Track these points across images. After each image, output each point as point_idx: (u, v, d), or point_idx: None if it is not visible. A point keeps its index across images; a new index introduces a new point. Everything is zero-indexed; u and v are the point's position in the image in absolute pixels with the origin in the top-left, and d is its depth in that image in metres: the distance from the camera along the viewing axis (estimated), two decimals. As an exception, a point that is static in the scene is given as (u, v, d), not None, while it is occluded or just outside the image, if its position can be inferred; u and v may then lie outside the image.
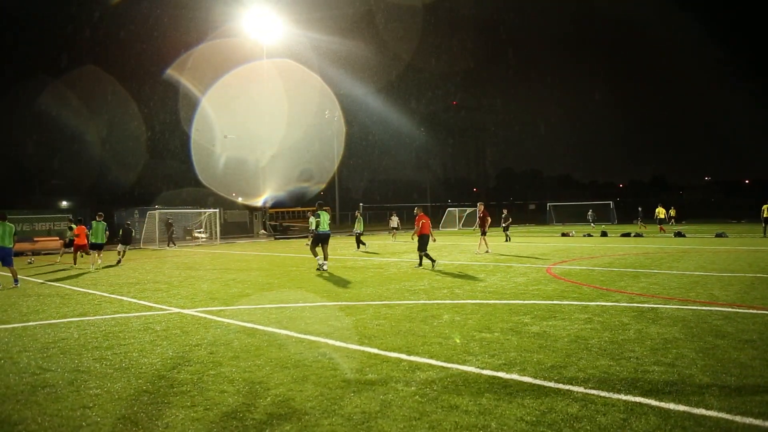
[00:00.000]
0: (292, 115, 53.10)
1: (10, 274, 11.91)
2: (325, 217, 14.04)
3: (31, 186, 62.47)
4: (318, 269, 13.56)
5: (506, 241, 24.56)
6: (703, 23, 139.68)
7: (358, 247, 21.46)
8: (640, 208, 31.87)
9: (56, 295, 10.48)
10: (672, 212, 37.96)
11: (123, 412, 4.01)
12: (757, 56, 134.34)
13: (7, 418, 3.96)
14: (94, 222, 16.40)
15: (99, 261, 16.50)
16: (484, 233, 18.51)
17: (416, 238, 14.02)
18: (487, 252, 17.93)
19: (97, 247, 16.35)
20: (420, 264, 14.04)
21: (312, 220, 14.27)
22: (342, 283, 11.21)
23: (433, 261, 13.67)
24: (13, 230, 11.80)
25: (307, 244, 27.36)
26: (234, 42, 41.25)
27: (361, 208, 44.81)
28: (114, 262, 17.32)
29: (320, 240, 13.96)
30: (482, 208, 18.69)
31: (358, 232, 22.03)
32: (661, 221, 28.01)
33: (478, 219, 18.77)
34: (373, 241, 27.26)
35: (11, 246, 11.75)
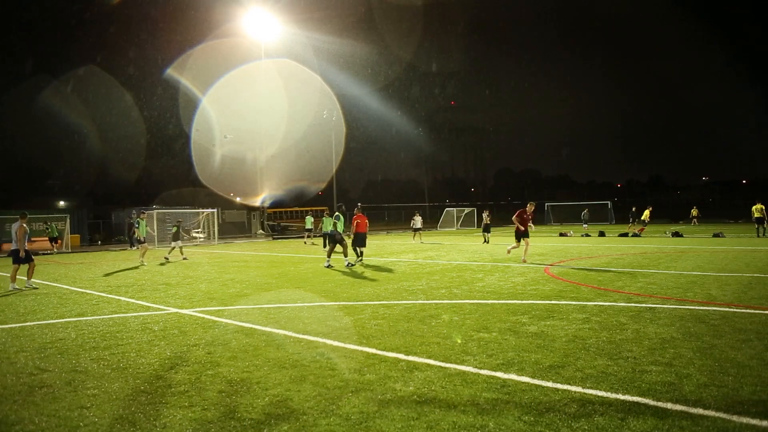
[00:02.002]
0: (291, 114, 53.08)
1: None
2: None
3: (28, 186, 62.37)
4: (346, 266, 14.61)
5: (485, 242, 23.94)
6: (701, 23, 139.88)
7: (325, 246, 22.32)
8: (634, 209, 31.50)
9: (54, 295, 10.46)
10: (694, 212, 37.37)
11: (120, 412, 4.00)
12: (756, 56, 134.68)
13: (5, 418, 3.95)
14: (139, 220, 18.12)
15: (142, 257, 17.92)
16: (527, 235, 14.68)
17: (352, 236, 15.79)
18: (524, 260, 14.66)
19: (142, 243, 18.11)
20: (360, 259, 15.52)
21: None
22: (340, 283, 11.20)
23: (359, 259, 15.39)
24: None
25: (306, 242, 27.89)
26: (233, 42, 41.20)
27: (359, 207, 44.79)
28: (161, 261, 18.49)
29: (329, 239, 15.67)
30: (532, 208, 14.95)
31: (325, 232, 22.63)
32: (643, 223, 27.89)
33: (521, 219, 14.53)
34: (394, 241, 27.22)
35: None
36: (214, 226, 32.93)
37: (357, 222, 15.80)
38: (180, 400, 4.21)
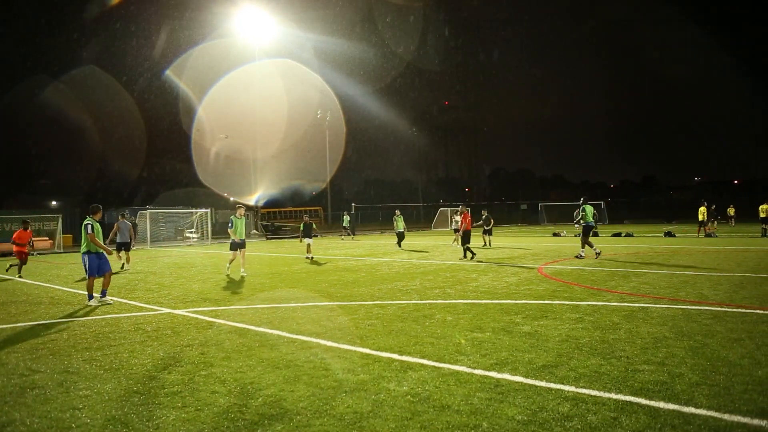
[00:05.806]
0: (288, 114, 53.02)
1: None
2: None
3: (20, 185, 61.93)
4: None
5: (485, 245, 22.02)
6: (695, 24, 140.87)
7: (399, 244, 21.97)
8: (713, 206, 27.02)
9: (45, 295, 10.39)
10: (731, 211, 33.58)
11: (113, 413, 3.98)
12: (750, 57, 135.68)
13: (-5, 419, 3.92)
14: (234, 218, 14.25)
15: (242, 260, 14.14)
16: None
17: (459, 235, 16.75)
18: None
19: (242, 245, 14.13)
20: (465, 256, 15.70)
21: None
22: (334, 283, 11.19)
23: (473, 254, 15.67)
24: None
25: (343, 239, 28.08)
26: (232, 42, 40.99)
27: (353, 208, 44.70)
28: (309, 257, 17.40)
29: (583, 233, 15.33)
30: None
31: (400, 230, 22.38)
32: (702, 223, 24.76)
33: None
34: (389, 241, 27.19)
35: None
36: (207, 226, 32.78)
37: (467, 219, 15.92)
38: (173, 401, 4.20)
